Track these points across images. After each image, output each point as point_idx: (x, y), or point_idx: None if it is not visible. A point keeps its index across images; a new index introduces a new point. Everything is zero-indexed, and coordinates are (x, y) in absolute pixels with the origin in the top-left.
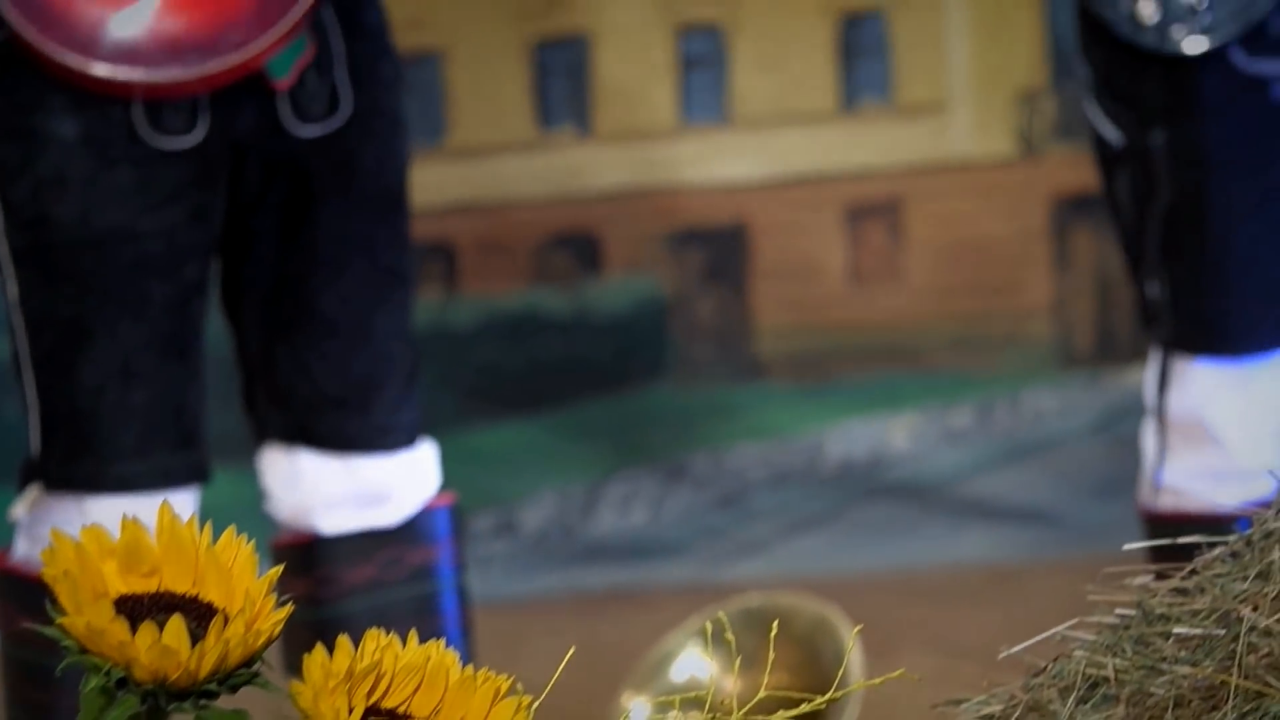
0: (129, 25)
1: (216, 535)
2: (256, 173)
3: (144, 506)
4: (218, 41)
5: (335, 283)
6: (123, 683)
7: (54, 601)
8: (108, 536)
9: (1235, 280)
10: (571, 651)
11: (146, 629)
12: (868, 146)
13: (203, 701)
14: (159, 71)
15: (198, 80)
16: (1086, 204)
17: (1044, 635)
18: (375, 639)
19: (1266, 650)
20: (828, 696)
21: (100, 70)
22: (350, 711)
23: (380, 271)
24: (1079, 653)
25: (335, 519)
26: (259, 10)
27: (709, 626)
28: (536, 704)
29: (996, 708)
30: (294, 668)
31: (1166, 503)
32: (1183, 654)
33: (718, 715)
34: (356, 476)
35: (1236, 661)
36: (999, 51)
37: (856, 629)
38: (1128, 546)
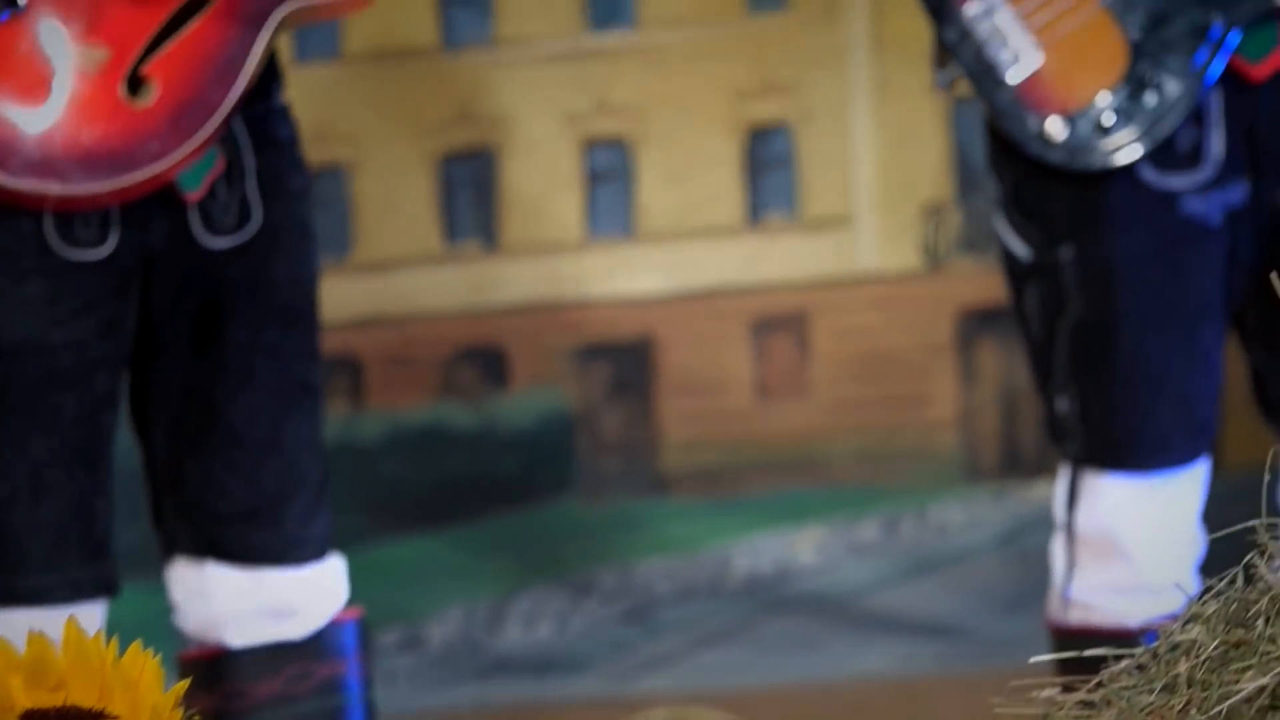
0: (37, 125)
1: (123, 649)
2: (167, 284)
3: (52, 619)
4: (133, 154)
5: (243, 393)
6: None
7: None
8: (14, 650)
9: (1144, 395)
10: None
11: None
12: (773, 260)
13: None
14: (73, 185)
15: (111, 193)
16: (992, 317)
17: None
18: None
19: None
20: None
21: (15, 183)
22: None
23: (289, 383)
24: None
25: (243, 632)
26: (173, 123)
27: None
28: None
29: None
30: None
31: (1075, 617)
32: None
33: None
34: (265, 590)
35: None
36: (904, 165)
37: None
38: (1034, 659)
